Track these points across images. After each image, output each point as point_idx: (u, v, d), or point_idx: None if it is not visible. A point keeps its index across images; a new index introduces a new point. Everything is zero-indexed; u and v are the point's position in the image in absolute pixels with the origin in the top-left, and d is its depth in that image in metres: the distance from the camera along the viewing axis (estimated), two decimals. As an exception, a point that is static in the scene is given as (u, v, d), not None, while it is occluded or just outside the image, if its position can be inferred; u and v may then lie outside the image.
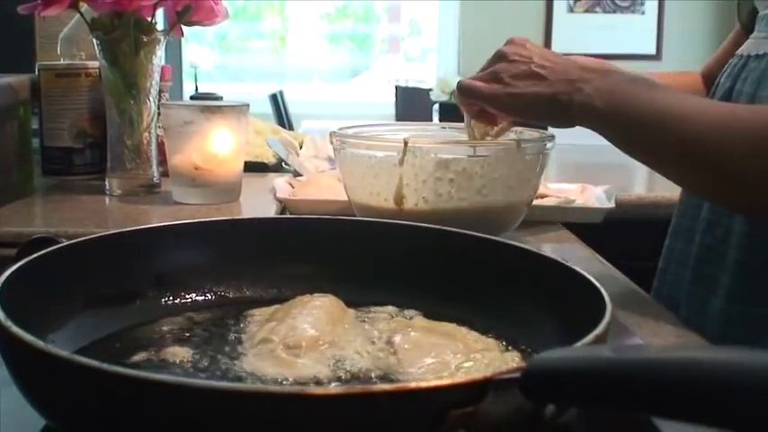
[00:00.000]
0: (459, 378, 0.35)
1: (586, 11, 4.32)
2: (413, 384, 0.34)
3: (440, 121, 2.66)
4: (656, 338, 0.68)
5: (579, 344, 0.39)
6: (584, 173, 1.77)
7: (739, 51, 0.89)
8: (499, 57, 0.79)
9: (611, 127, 0.74)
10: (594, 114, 0.74)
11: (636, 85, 0.75)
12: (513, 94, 0.77)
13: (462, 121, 0.87)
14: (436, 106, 2.86)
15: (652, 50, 4.43)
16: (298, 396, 0.33)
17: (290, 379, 0.44)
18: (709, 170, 0.71)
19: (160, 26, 1.03)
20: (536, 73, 0.76)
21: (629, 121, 0.73)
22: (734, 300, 0.81)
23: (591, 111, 0.74)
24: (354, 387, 0.37)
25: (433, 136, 0.97)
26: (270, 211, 0.96)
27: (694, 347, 0.35)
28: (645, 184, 1.65)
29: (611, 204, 1.03)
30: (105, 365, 0.35)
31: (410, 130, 0.97)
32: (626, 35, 4.46)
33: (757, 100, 0.81)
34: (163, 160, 1.03)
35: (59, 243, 0.54)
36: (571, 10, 4.30)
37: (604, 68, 0.78)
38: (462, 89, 0.80)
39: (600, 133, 0.76)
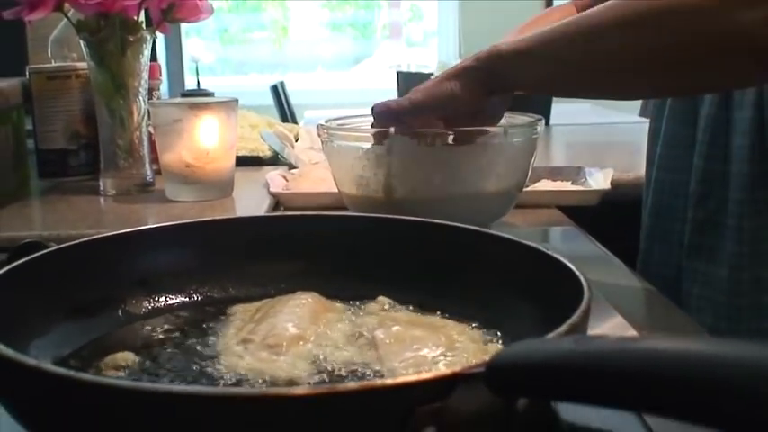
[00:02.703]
0: (426, 374, 0.35)
1: (588, -11, 4.29)
2: (378, 382, 0.34)
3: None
4: (647, 322, 0.68)
5: (552, 334, 0.39)
6: (589, 153, 1.75)
7: None
8: None
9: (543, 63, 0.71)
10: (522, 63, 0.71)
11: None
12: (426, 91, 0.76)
13: None
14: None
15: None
16: (262, 398, 0.33)
17: (267, 379, 0.44)
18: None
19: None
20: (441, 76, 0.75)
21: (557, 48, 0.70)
22: (739, 265, 0.81)
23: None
24: (321, 387, 0.37)
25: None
26: (263, 205, 0.96)
27: (657, 338, 0.35)
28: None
29: (607, 186, 1.02)
30: (72, 373, 0.35)
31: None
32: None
33: None
34: (156, 158, 1.03)
35: (48, 247, 0.55)
36: (572, -10, 4.26)
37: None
38: (376, 114, 0.79)
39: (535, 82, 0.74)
